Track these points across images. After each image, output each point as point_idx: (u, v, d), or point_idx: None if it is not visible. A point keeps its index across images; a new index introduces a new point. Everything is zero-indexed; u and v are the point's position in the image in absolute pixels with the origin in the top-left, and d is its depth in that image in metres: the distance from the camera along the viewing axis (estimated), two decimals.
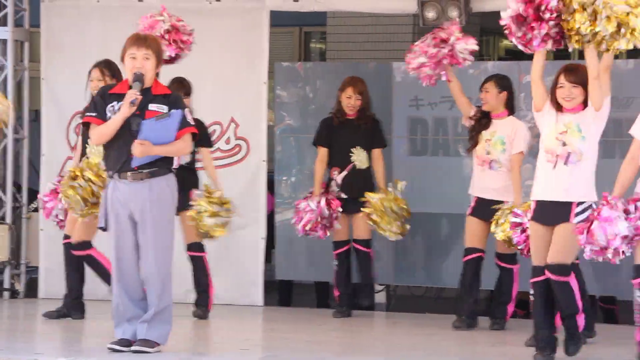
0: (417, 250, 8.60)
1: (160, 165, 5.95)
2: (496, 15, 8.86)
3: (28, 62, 9.04)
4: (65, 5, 8.76)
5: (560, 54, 10.54)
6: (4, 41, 8.84)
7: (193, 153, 7.45)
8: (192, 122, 6.06)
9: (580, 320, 5.95)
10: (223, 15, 8.53)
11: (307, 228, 7.69)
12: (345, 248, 7.89)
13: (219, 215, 7.30)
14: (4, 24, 8.82)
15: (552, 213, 5.81)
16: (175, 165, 6.12)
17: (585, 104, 5.88)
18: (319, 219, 7.66)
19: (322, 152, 7.89)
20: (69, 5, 8.76)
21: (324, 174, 7.92)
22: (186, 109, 6.05)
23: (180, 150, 6.09)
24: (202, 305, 7.64)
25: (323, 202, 7.68)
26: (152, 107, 5.96)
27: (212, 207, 7.26)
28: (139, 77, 5.93)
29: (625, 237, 5.53)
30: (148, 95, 5.97)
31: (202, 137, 7.38)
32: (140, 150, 5.84)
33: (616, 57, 6.00)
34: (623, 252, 5.56)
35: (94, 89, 7.31)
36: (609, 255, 5.55)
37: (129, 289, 5.99)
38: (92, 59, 8.71)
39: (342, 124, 7.86)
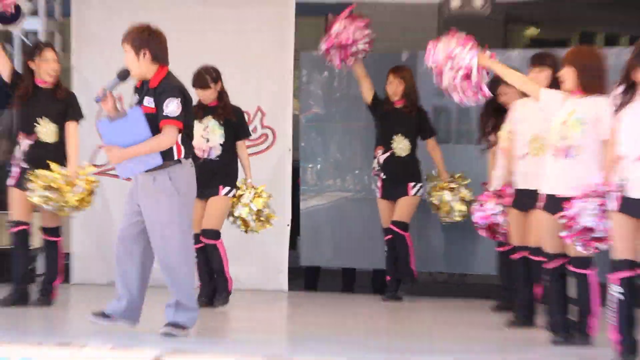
0: (439, 236, 8.60)
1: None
2: (521, 4, 8.86)
3: (61, 52, 9.03)
4: None
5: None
6: (35, 32, 8.92)
7: (224, 146, 7.32)
8: (174, 115, 5.74)
9: (592, 322, 5.92)
10: (250, 6, 8.55)
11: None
12: (392, 236, 7.97)
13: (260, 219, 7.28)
14: (37, 14, 8.88)
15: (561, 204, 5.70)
16: (175, 157, 5.86)
17: (584, 90, 5.78)
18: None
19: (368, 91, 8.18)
20: None
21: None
22: (168, 100, 5.73)
23: (162, 144, 5.72)
24: (221, 288, 7.42)
25: None
26: (145, 101, 5.80)
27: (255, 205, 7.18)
28: (119, 73, 5.85)
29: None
30: (145, 89, 5.85)
31: (240, 127, 7.43)
32: (112, 157, 5.75)
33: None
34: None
35: (53, 70, 7.14)
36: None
37: (122, 270, 6.02)
38: (122, 54, 8.74)
39: (388, 111, 7.96)
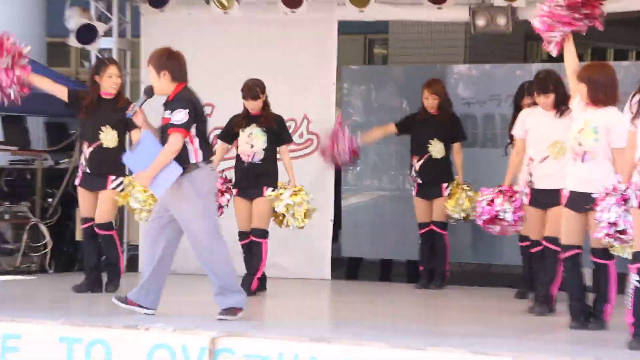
0: (467, 230, 8.52)
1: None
2: None
3: (130, 68, 9.15)
4: (161, 17, 8.83)
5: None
6: (109, 50, 8.93)
7: (267, 150, 7.23)
8: (179, 123, 5.77)
9: (608, 309, 5.88)
10: (298, 25, 8.53)
11: None
12: (426, 229, 7.97)
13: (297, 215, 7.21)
14: (110, 35, 8.91)
15: (584, 202, 5.68)
16: (193, 160, 5.87)
17: (594, 103, 5.77)
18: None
19: (390, 125, 8.09)
20: (165, 18, 8.82)
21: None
22: (177, 110, 5.77)
23: (169, 151, 5.77)
24: (247, 284, 7.13)
25: None
26: (165, 113, 5.90)
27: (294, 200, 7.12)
28: (145, 90, 5.96)
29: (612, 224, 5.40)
30: (166, 104, 5.95)
31: (282, 134, 7.36)
32: (141, 181, 5.94)
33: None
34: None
35: (115, 84, 7.13)
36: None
37: (148, 257, 6.09)
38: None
39: (425, 119, 7.92)
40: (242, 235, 7.31)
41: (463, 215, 7.77)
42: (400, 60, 10.57)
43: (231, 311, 5.99)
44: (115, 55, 8.93)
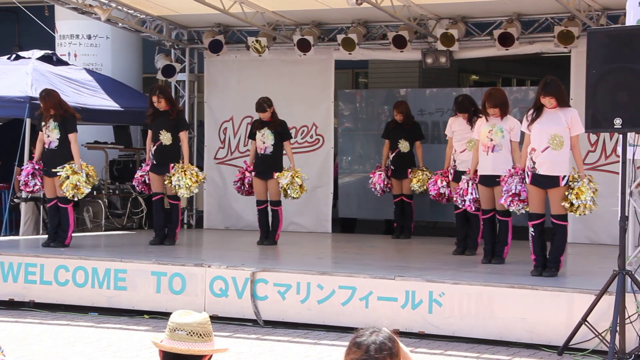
0: (426, 200, 8.22)
1: None
2: (468, 60, 8.61)
3: (197, 93, 9.06)
4: (218, 59, 8.73)
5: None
6: (184, 82, 8.87)
7: (274, 145, 6.98)
8: None
9: (506, 250, 5.77)
10: (308, 63, 8.41)
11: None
12: (398, 199, 7.87)
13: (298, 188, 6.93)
14: (184, 71, 8.85)
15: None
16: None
17: (501, 115, 5.78)
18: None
19: (386, 142, 7.84)
20: (220, 59, 8.72)
21: (388, 153, 7.83)
22: None
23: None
24: (271, 238, 7.07)
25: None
26: None
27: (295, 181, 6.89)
28: None
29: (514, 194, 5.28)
30: None
31: (284, 133, 7.09)
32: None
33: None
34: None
35: (159, 104, 6.77)
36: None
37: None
38: (233, 93, 8.73)
39: (395, 127, 7.78)
40: (258, 202, 7.11)
41: (422, 189, 7.63)
42: (376, 85, 10.45)
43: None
44: (186, 85, 8.85)
